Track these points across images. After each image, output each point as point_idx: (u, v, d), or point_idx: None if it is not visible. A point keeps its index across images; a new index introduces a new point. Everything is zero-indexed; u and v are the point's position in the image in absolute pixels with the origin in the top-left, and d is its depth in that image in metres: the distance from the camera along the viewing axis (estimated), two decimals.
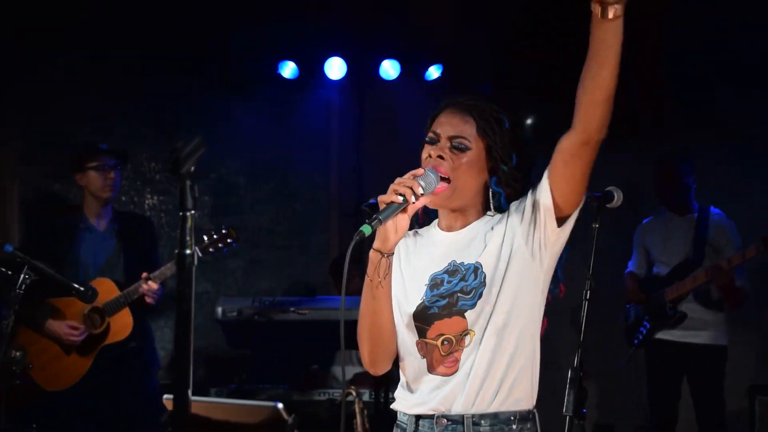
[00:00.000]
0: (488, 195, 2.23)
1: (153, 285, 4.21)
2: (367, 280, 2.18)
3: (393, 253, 2.16)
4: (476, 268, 2.17)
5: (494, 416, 2.15)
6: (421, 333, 2.20)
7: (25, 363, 3.39)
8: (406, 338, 2.23)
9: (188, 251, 1.68)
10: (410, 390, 2.24)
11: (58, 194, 5.52)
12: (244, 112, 5.74)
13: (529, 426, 2.18)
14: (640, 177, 5.02)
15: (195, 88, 5.69)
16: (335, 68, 5.75)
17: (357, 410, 4.02)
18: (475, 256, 2.19)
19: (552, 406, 2.90)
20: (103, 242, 4.52)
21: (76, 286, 3.65)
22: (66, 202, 5.39)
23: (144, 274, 4.23)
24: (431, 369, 2.19)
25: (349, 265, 1.98)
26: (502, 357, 2.15)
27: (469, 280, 2.17)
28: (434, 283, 2.22)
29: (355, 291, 2.24)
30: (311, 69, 5.77)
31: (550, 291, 2.24)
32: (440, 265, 2.23)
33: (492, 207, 2.24)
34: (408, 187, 2.05)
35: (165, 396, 1.83)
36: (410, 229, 2.28)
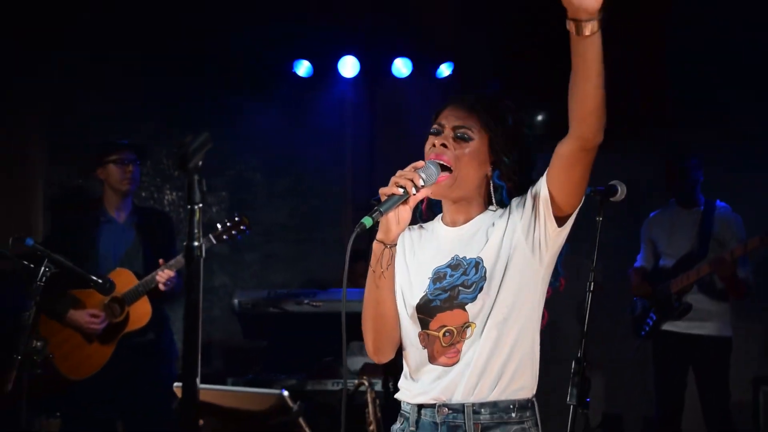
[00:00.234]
0: (490, 189, 2.23)
1: (169, 273, 4.25)
2: (370, 270, 2.19)
3: (395, 244, 2.17)
4: (477, 263, 2.18)
5: (494, 405, 2.15)
6: (424, 324, 2.21)
7: (46, 353, 3.40)
8: (409, 329, 2.23)
9: (196, 243, 1.68)
10: (412, 380, 2.25)
11: (81, 190, 5.55)
12: (260, 110, 5.76)
13: (528, 414, 2.19)
14: (642, 176, 4.99)
15: (214, 88, 5.71)
16: (349, 67, 5.76)
17: (369, 400, 4.02)
18: (477, 251, 2.19)
19: (562, 396, 2.90)
20: (122, 234, 4.55)
21: (94, 278, 3.67)
22: (88, 197, 5.42)
23: (161, 261, 4.27)
24: (432, 359, 2.20)
25: (360, 259, 1.99)
26: (503, 349, 2.15)
27: (470, 275, 2.17)
28: (437, 277, 2.22)
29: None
30: (325, 67, 5.78)
31: (551, 284, 2.24)
32: (443, 259, 2.23)
33: (494, 201, 2.23)
34: (409, 179, 2.06)
35: (175, 384, 1.83)
36: (414, 224, 2.28)
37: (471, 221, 2.25)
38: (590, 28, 1.89)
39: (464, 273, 2.18)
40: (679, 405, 4.85)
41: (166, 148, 5.79)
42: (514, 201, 2.21)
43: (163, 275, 4.25)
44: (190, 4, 5.52)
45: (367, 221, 2.00)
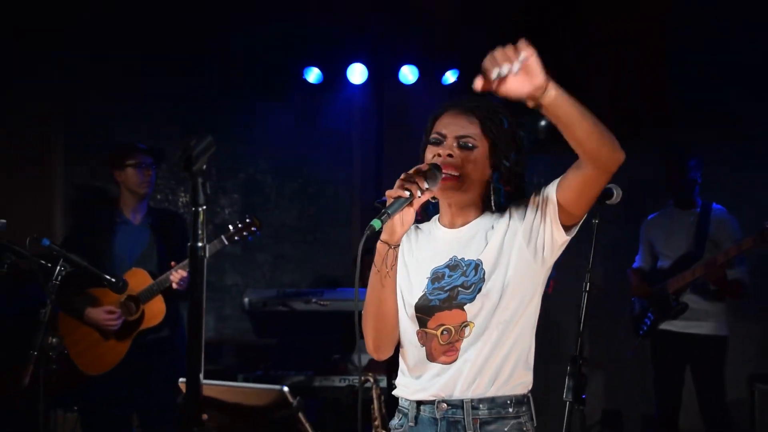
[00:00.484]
0: (489, 191, 2.23)
1: (182, 273, 4.26)
2: (374, 270, 2.20)
3: (399, 245, 2.18)
4: (477, 265, 2.18)
5: (492, 400, 2.16)
6: (422, 323, 2.21)
7: (61, 349, 3.43)
8: (408, 327, 2.24)
9: (200, 243, 1.69)
10: (411, 377, 2.25)
11: (98, 192, 5.57)
12: (271, 115, 5.79)
13: (524, 409, 2.19)
14: (643, 176, 4.97)
15: (226, 93, 5.74)
16: (357, 73, 5.78)
17: (374, 396, 4.03)
18: (477, 253, 2.19)
19: (563, 395, 2.90)
20: (138, 235, 4.56)
21: (108, 277, 3.69)
22: (105, 199, 5.44)
23: (172, 263, 4.29)
24: (430, 357, 2.20)
25: (363, 257, 2.01)
26: (502, 349, 2.16)
27: (469, 276, 2.17)
28: (435, 277, 2.22)
29: None
30: (335, 74, 5.80)
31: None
32: (442, 260, 2.24)
33: (493, 203, 2.23)
34: (413, 182, 2.06)
35: (180, 379, 1.85)
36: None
37: (469, 224, 2.25)
38: (548, 98, 1.89)
39: (463, 274, 2.18)
40: (677, 403, 4.83)
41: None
42: (514, 204, 2.21)
43: (176, 275, 4.26)
44: (195, 5, 5.49)
45: (377, 224, 2.01)
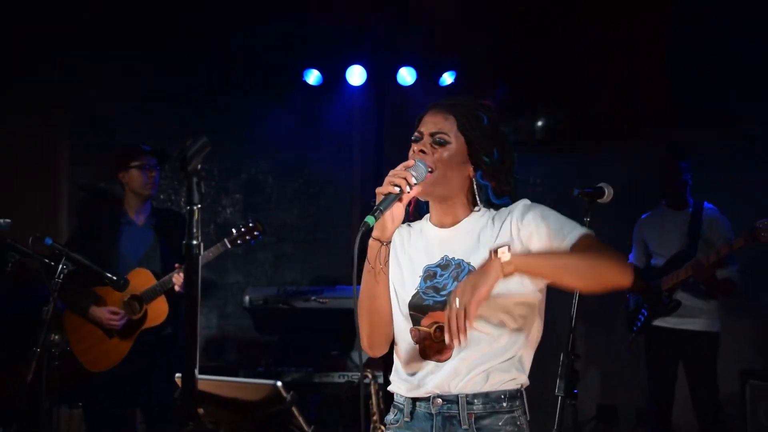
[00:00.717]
0: (474, 189, 2.22)
1: None
2: (368, 266, 2.19)
3: (391, 241, 2.17)
4: (467, 265, 2.16)
5: (486, 395, 2.15)
6: (416, 321, 2.20)
7: (64, 346, 3.43)
8: (401, 325, 2.23)
9: (195, 242, 1.69)
10: (405, 373, 2.24)
11: (103, 193, 5.57)
12: (272, 117, 5.78)
13: (517, 403, 2.18)
14: (643, 176, 4.95)
15: (227, 94, 5.73)
16: (356, 75, 5.78)
17: (373, 392, 4.03)
18: (468, 254, 2.18)
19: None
20: (142, 236, 4.56)
21: (109, 275, 3.68)
22: (110, 199, 5.44)
23: (177, 265, 4.28)
24: (424, 354, 2.19)
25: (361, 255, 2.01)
26: (498, 347, 2.15)
27: (461, 277, 2.16)
28: (428, 275, 2.21)
29: None
30: (334, 76, 5.80)
31: None
32: (433, 258, 2.23)
33: (479, 200, 2.22)
34: (402, 177, 2.06)
35: (176, 374, 1.84)
36: (401, 223, 2.28)
37: (459, 223, 2.24)
38: (516, 274, 1.98)
39: (455, 274, 2.17)
40: (670, 398, 4.82)
41: None
42: (515, 212, 2.17)
43: (179, 278, 4.26)
44: (195, 5, 5.48)
45: (371, 220, 2.01)
